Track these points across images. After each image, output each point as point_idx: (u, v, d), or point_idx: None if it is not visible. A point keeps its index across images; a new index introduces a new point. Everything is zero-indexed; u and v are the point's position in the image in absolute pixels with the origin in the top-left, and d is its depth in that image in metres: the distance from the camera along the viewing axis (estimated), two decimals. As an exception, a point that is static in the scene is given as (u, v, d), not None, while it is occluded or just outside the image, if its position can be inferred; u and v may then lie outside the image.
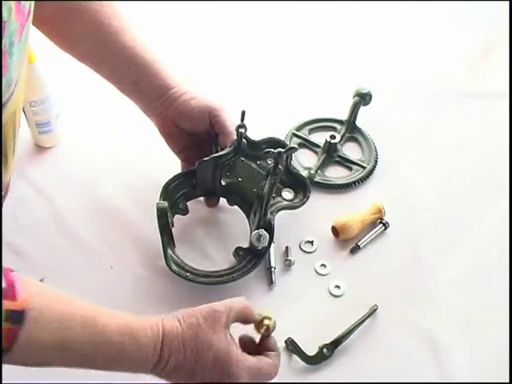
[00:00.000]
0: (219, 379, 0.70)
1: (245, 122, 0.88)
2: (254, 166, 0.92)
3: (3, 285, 0.59)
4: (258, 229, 0.86)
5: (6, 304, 0.58)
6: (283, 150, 0.82)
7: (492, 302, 0.89)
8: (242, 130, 0.89)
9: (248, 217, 0.91)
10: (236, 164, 0.91)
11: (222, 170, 0.90)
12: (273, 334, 0.83)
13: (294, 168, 0.95)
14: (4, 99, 0.65)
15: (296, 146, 0.86)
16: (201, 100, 0.90)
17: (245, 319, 0.74)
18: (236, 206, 0.93)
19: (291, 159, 0.93)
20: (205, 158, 0.88)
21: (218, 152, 0.90)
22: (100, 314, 0.66)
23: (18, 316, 0.59)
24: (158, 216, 0.84)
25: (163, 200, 0.86)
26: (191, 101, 0.89)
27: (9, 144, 0.74)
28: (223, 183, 0.91)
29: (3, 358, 0.60)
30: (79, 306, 0.66)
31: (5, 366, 0.78)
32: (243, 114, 0.88)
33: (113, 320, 0.67)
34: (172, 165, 0.93)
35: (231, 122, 0.89)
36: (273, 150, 0.82)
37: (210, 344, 0.69)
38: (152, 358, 0.67)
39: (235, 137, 0.89)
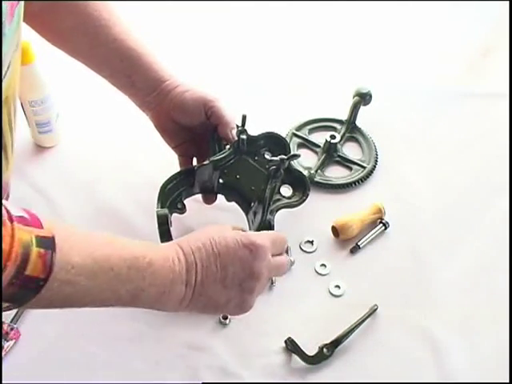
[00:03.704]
0: (245, 278, 0.71)
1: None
2: (251, 161, 0.91)
3: (26, 216, 0.57)
4: (258, 230, 0.85)
5: (35, 231, 0.56)
6: (285, 158, 0.83)
7: (492, 302, 0.89)
8: (244, 137, 0.88)
9: (246, 214, 0.90)
10: (234, 161, 0.91)
11: (221, 170, 0.90)
12: (272, 334, 0.84)
13: (293, 165, 0.94)
14: None
15: (299, 153, 0.86)
16: (195, 92, 0.88)
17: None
18: (235, 205, 0.92)
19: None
20: (204, 162, 0.87)
21: (215, 145, 0.89)
22: (113, 236, 0.67)
23: (49, 242, 0.57)
24: (158, 223, 0.83)
25: (161, 202, 0.86)
26: (185, 93, 0.88)
27: (6, 135, 0.73)
28: (221, 181, 0.91)
29: (35, 296, 0.57)
30: (95, 233, 0.66)
31: (4, 366, 0.79)
32: (244, 118, 0.87)
33: (130, 240, 0.67)
34: (171, 165, 0.93)
35: (228, 111, 0.88)
36: (275, 157, 0.83)
37: (223, 232, 0.71)
38: (180, 266, 0.68)
39: (234, 126, 0.88)
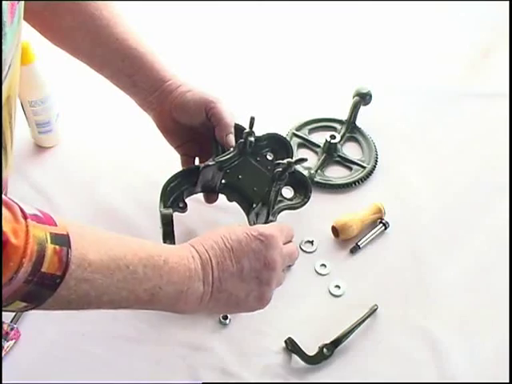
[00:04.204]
0: (261, 269, 0.72)
1: (245, 121, 0.88)
2: (253, 162, 0.91)
3: (39, 214, 0.56)
4: None
5: (49, 228, 0.56)
6: (293, 161, 0.84)
7: (492, 302, 0.89)
8: (252, 139, 0.88)
9: (247, 214, 0.90)
10: (237, 162, 0.91)
11: (224, 170, 0.90)
12: (272, 334, 0.84)
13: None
14: None
15: (305, 157, 0.87)
16: (196, 92, 0.88)
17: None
18: (235, 205, 0.92)
19: (292, 157, 0.93)
20: (209, 163, 0.87)
21: (218, 146, 0.89)
22: (126, 237, 0.67)
23: (64, 239, 0.57)
24: (163, 223, 0.83)
25: (163, 201, 0.86)
26: (187, 93, 0.88)
27: (6, 134, 0.73)
28: (223, 181, 0.90)
29: (52, 294, 0.57)
30: (108, 232, 0.66)
31: (5, 366, 0.79)
32: (252, 120, 0.87)
33: (142, 240, 0.68)
34: (172, 165, 0.93)
35: (228, 113, 0.88)
36: (282, 161, 0.84)
37: (233, 228, 0.73)
38: (195, 263, 0.68)
39: (232, 129, 0.88)
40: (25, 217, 0.54)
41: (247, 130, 0.88)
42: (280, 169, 0.84)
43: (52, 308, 0.59)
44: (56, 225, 0.57)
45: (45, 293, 0.56)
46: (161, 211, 0.83)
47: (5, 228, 0.52)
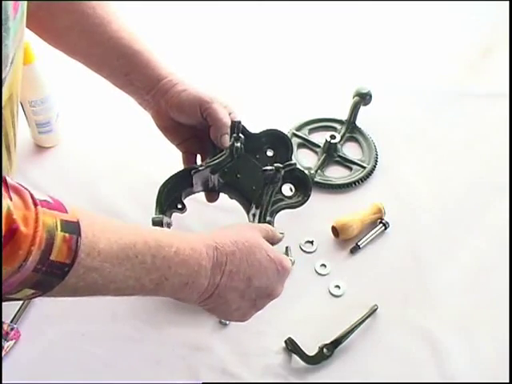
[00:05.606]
0: (263, 296, 0.72)
1: (245, 121, 0.88)
2: (253, 160, 0.91)
3: (50, 201, 0.56)
4: None
5: (59, 215, 0.55)
6: (281, 166, 0.84)
7: (492, 302, 0.89)
8: (238, 145, 0.87)
9: (247, 213, 0.90)
10: (233, 162, 0.91)
11: (221, 170, 0.89)
12: (272, 334, 0.84)
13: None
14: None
15: (294, 161, 0.87)
16: (191, 92, 0.87)
17: None
18: (235, 205, 0.92)
19: (292, 154, 0.93)
20: (199, 168, 0.86)
21: (215, 147, 0.88)
22: (138, 225, 0.67)
23: (74, 226, 0.56)
24: None
25: (160, 205, 0.84)
26: (182, 93, 0.87)
27: (10, 134, 0.73)
28: (222, 180, 0.90)
29: (60, 282, 0.56)
30: (119, 221, 0.65)
31: (5, 366, 0.79)
32: (238, 125, 0.87)
33: (155, 229, 0.68)
34: (172, 165, 0.93)
35: (223, 113, 0.87)
36: (270, 167, 0.84)
37: (260, 244, 0.72)
38: (207, 261, 0.67)
39: (228, 130, 0.87)
40: (35, 203, 0.54)
41: (234, 135, 0.87)
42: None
43: (58, 295, 0.59)
44: (67, 212, 0.57)
45: (53, 281, 0.56)
46: (152, 218, 0.83)
47: (15, 215, 0.52)
